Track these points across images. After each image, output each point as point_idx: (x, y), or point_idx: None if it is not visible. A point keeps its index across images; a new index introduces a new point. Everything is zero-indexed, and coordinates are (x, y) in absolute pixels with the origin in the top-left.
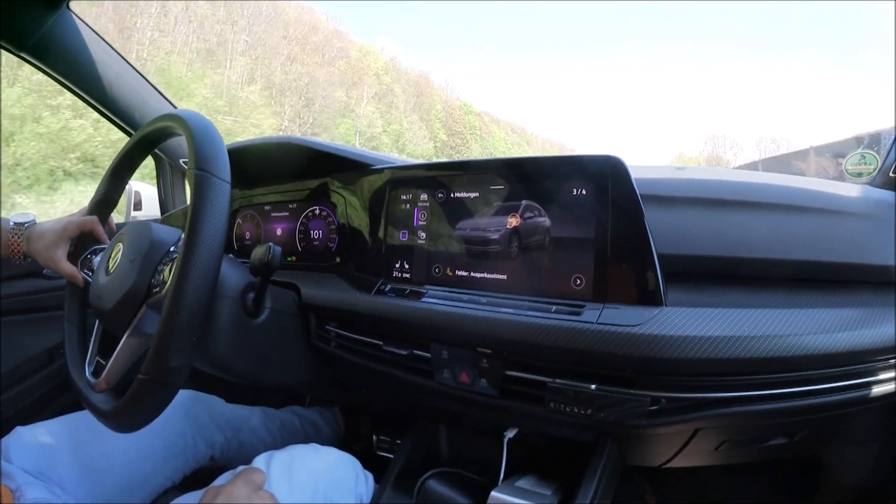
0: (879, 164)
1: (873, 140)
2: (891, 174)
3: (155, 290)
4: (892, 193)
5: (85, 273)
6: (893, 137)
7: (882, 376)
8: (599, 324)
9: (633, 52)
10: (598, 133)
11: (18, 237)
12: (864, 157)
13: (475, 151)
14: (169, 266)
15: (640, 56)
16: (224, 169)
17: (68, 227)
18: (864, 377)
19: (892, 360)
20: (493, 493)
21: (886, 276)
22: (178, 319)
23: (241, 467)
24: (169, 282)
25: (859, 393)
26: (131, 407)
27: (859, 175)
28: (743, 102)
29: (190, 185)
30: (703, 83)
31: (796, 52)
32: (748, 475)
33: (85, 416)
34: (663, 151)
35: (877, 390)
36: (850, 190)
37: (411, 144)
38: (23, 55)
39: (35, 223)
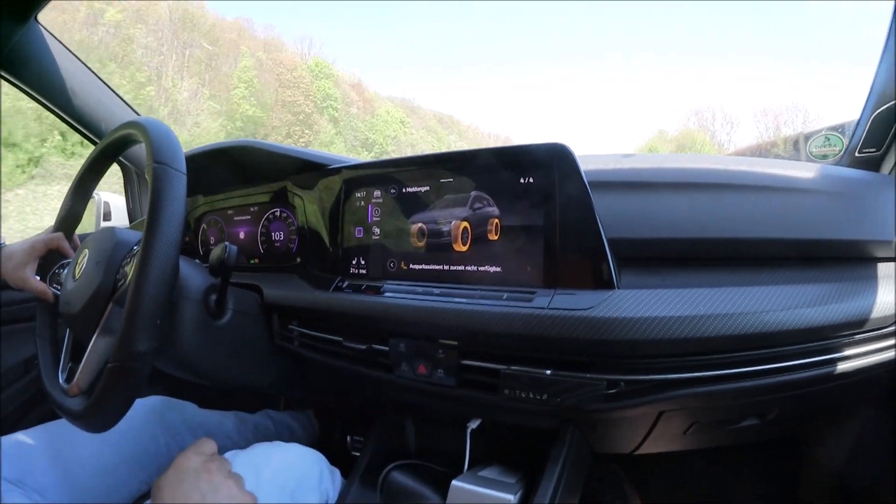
0: (845, 145)
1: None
2: (857, 154)
3: (119, 285)
4: (861, 172)
5: (54, 287)
6: (858, 117)
7: (850, 352)
8: (550, 308)
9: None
10: (551, 125)
11: None
12: (829, 139)
13: (325, 131)
14: (131, 262)
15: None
16: (179, 161)
17: (35, 246)
18: (830, 353)
19: (860, 336)
20: (455, 483)
21: (856, 251)
22: (142, 302)
23: None
24: (132, 271)
25: (826, 369)
26: (103, 400)
27: (824, 157)
28: (736, 74)
29: (149, 179)
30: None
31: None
32: (729, 462)
33: (63, 424)
34: (638, 133)
35: (845, 366)
36: (814, 169)
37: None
38: None
39: (3, 245)
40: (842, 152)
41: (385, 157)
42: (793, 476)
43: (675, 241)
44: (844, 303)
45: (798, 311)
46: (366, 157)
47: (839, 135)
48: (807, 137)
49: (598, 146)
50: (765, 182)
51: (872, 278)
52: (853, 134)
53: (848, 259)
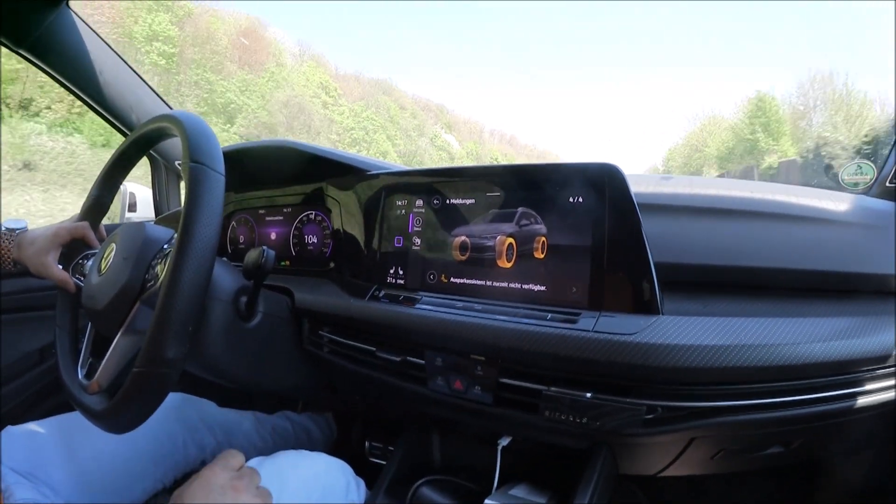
0: (876, 175)
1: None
2: (888, 184)
3: (149, 286)
4: (889, 203)
5: (76, 278)
6: (891, 148)
7: (878, 385)
8: (595, 332)
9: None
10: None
11: (9, 243)
12: (861, 168)
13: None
14: (162, 262)
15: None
16: (218, 161)
17: (59, 233)
18: (860, 386)
19: (888, 369)
20: (487, 502)
21: (883, 285)
22: (174, 307)
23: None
24: (164, 273)
25: (856, 401)
26: (126, 403)
27: (856, 185)
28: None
29: (185, 178)
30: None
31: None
32: (744, 483)
33: (76, 416)
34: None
35: (873, 399)
36: (846, 200)
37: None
38: (21, 51)
39: (27, 230)
40: (872, 181)
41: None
42: (808, 499)
43: (716, 268)
44: (870, 337)
45: (829, 343)
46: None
47: (871, 163)
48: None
49: (634, 137)
50: (801, 212)
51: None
52: (885, 164)
53: (874, 293)
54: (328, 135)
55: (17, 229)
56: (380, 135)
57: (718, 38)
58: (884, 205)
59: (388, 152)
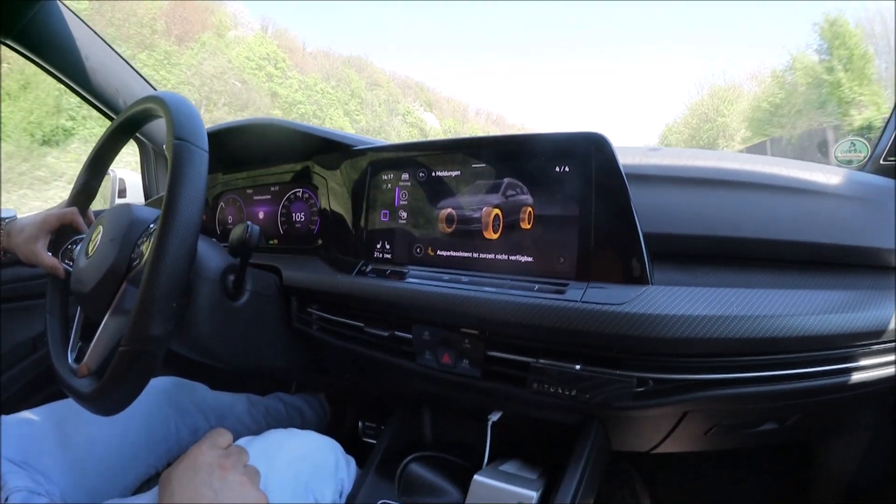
0: (870, 152)
1: None
2: (882, 161)
3: (135, 265)
4: (886, 179)
5: (66, 263)
6: (884, 124)
7: (873, 361)
8: (583, 302)
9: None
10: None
11: None
12: (855, 145)
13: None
14: (148, 241)
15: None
16: (201, 138)
17: (48, 220)
18: (855, 361)
19: (884, 345)
20: (476, 477)
21: (881, 259)
22: (158, 283)
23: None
24: (148, 251)
25: (850, 377)
26: (113, 384)
27: (849, 162)
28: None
29: (168, 156)
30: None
31: None
32: (739, 464)
33: (69, 404)
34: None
35: (868, 375)
36: (840, 174)
37: None
38: (8, 41)
39: (16, 218)
40: (866, 158)
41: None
42: (802, 479)
43: (706, 239)
44: (865, 311)
45: (824, 316)
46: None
47: (864, 141)
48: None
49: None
50: (793, 184)
51: (890, 289)
52: (878, 141)
53: (869, 267)
54: (269, 110)
55: (7, 218)
56: (335, 110)
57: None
58: (881, 180)
59: (345, 128)
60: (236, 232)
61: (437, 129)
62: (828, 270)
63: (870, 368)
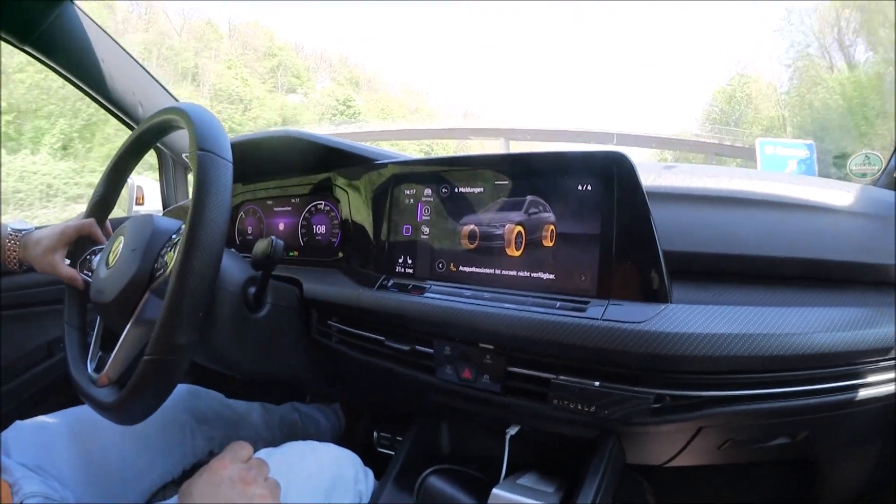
0: (884, 165)
1: None
2: (895, 175)
3: (158, 275)
4: (891, 193)
5: (84, 274)
6: None
7: (879, 377)
8: (604, 320)
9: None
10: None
11: (15, 243)
12: (869, 158)
13: None
14: (171, 251)
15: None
16: (225, 149)
17: (66, 232)
18: (863, 377)
19: (888, 362)
20: (495, 491)
21: (889, 276)
22: (185, 293)
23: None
24: (173, 260)
25: (858, 393)
26: (136, 392)
27: (863, 175)
28: None
29: (192, 167)
30: None
31: None
32: (747, 475)
33: (84, 409)
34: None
35: (875, 391)
36: (854, 189)
37: None
38: (26, 48)
39: (32, 231)
40: (880, 172)
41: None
42: (813, 494)
43: (725, 257)
44: (873, 329)
45: (835, 333)
46: None
47: (878, 154)
48: None
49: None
50: (810, 202)
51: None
52: (893, 155)
53: (875, 283)
54: None
55: (23, 230)
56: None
57: None
58: (887, 195)
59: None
60: (260, 246)
61: (310, 102)
62: (840, 287)
63: (877, 385)
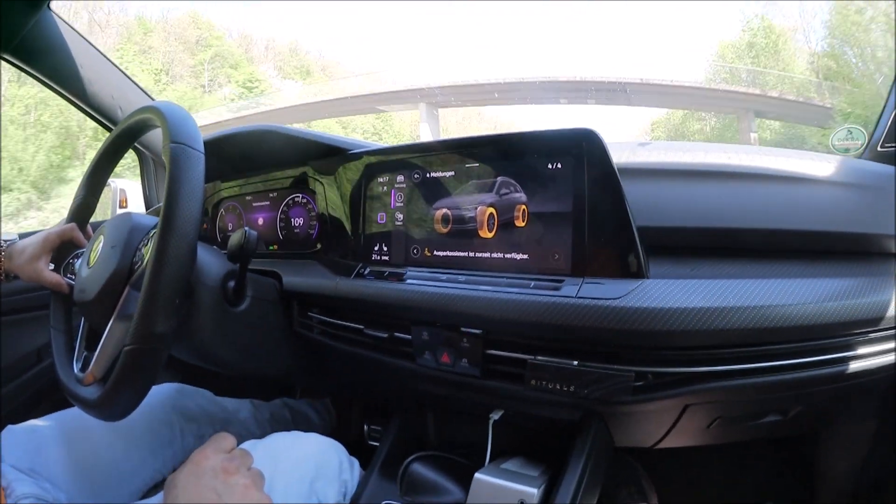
0: (867, 139)
1: None
2: (880, 148)
3: (136, 268)
4: (882, 166)
5: (68, 278)
6: (881, 111)
7: (874, 348)
8: (579, 297)
9: None
10: None
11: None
12: (852, 132)
13: None
14: (148, 245)
15: None
16: (197, 140)
17: (49, 238)
18: (855, 349)
19: (884, 332)
20: (477, 475)
21: (879, 246)
22: (160, 280)
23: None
24: (149, 251)
25: (849, 366)
26: (119, 385)
27: (846, 150)
28: None
29: (165, 160)
30: None
31: None
32: (744, 457)
33: (75, 412)
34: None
35: (869, 363)
36: (838, 161)
37: None
38: (6, 56)
39: (17, 241)
40: (864, 146)
41: None
42: (806, 474)
43: (702, 231)
44: (863, 298)
45: (822, 304)
46: None
47: (861, 128)
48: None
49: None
50: (789, 173)
51: (889, 275)
52: (875, 128)
53: (868, 254)
54: None
55: (8, 241)
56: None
57: None
58: (880, 167)
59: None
60: (234, 238)
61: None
62: (824, 259)
63: (869, 357)
